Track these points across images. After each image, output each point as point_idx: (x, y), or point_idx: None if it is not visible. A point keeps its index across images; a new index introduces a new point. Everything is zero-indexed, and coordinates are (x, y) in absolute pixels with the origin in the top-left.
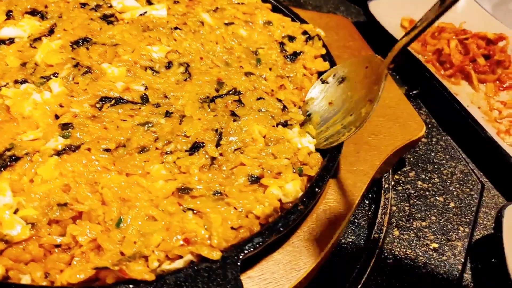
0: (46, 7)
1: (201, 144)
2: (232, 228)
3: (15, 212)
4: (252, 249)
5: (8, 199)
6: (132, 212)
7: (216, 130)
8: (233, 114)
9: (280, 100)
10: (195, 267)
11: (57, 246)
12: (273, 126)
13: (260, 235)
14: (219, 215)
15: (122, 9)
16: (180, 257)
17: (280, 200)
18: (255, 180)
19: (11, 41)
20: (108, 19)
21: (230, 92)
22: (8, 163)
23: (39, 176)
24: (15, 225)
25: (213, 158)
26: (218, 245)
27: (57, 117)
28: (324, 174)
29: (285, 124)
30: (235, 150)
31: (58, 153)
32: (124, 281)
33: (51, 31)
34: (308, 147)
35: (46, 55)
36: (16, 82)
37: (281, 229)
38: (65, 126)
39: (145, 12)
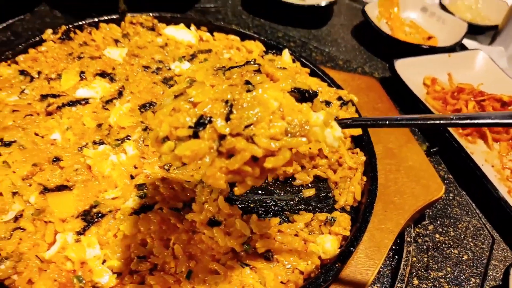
0: (113, 69)
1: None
2: (281, 282)
3: (103, 263)
4: None
5: (97, 251)
6: (198, 266)
7: (227, 102)
8: (247, 82)
9: None
10: None
11: None
12: (295, 93)
13: None
14: (271, 272)
15: (179, 72)
16: None
17: (319, 257)
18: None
19: (86, 101)
20: (168, 82)
21: (251, 62)
22: (95, 219)
23: (122, 232)
24: (103, 274)
25: (221, 137)
26: None
27: (132, 177)
28: (358, 235)
29: (311, 96)
30: (246, 127)
31: (136, 212)
32: None
33: (120, 94)
34: (332, 144)
35: (119, 118)
36: (94, 143)
37: (322, 283)
38: (140, 187)
39: None
